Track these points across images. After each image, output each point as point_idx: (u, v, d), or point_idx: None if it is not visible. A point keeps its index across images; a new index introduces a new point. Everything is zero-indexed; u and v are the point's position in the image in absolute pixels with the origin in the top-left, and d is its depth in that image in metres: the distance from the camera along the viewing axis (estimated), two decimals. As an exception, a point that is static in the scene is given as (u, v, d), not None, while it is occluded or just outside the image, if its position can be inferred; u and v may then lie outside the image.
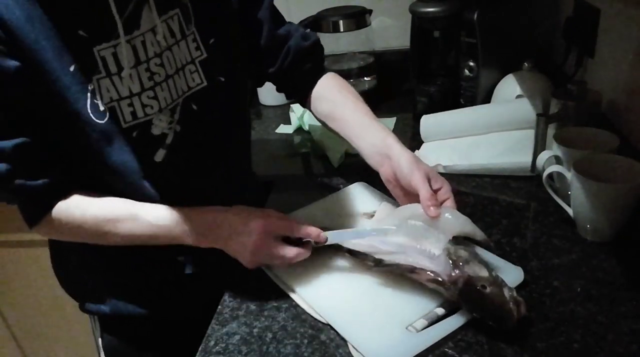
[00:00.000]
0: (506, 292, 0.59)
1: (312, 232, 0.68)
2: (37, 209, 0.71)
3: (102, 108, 0.66)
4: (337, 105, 0.83)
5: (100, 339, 0.89)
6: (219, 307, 0.71)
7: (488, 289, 0.59)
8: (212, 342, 0.65)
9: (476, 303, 0.60)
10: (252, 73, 0.87)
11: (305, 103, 0.89)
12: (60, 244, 0.78)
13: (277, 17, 0.86)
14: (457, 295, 0.61)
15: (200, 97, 0.75)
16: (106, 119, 0.67)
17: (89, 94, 0.65)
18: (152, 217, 0.70)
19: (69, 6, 0.63)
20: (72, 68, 0.64)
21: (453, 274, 0.62)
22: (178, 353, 0.90)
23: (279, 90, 0.92)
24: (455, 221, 0.68)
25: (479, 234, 0.68)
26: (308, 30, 0.90)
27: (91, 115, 0.66)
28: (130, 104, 0.68)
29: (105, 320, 0.88)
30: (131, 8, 0.67)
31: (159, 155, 0.72)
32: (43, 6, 0.61)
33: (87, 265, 0.83)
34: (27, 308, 1.58)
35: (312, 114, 0.89)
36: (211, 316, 0.85)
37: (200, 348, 0.65)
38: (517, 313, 0.58)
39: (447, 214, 0.68)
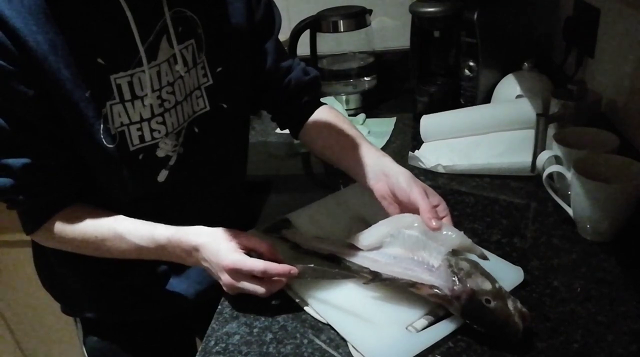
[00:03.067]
0: (510, 305, 0.58)
1: (282, 272, 0.65)
2: (34, 220, 0.72)
3: (112, 132, 0.68)
4: (330, 134, 0.85)
5: (83, 341, 0.90)
6: (219, 307, 0.71)
7: (492, 304, 0.58)
8: (212, 342, 0.65)
9: (480, 318, 0.59)
10: (250, 101, 0.88)
11: (298, 135, 0.91)
12: (42, 247, 0.78)
13: (280, 50, 0.88)
14: (460, 311, 0.60)
15: (202, 121, 0.77)
16: (116, 143, 0.69)
17: (102, 119, 0.67)
18: (137, 238, 0.71)
19: (91, 35, 0.65)
20: (87, 94, 0.65)
21: (455, 287, 0.60)
22: (162, 353, 0.90)
23: (273, 119, 0.94)
24: (454, 236, 0.66)
25: (475, 249, 0.67)
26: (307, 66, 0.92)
27: (103, 140, 0.68)
28: (140, 129, 0.70)
29: (87, 322, 0.89)
30: (151, 39, 0.69)
31: (162, 176, 0.74)
32: (66, 34, 0.63)
33: (67, 270, 0.83)
34: (27, 308, 1.58)
35: (306, 145, 0.91)
36: (195, 315, 0.85)
37: (200, 348, 0.65)
38: (522, 326, 0.57)
39: (445, 229, 0.67)
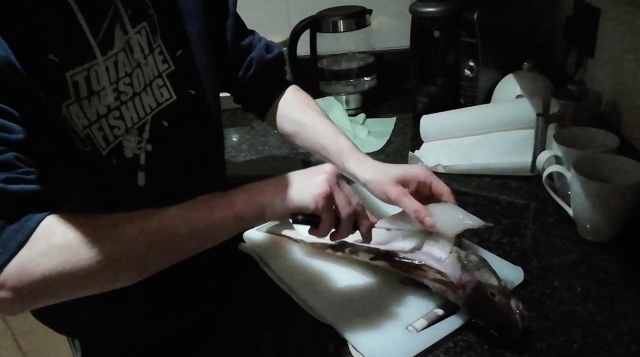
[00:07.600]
0: (513, 304, 0.58)
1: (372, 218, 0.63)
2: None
3: (82, 136, 0.61)
4: (300, 125, 0.83)
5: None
6: (219, 309, 0.71)
7: (497, 298, 0.59)
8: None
9: (483, 310, 0.59)
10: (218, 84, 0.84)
11: (265, 117, 0.88)
12: None
13: (240, 27, 0.84)
14: (464, 300, 0.60)
15: (170, 113, 0.71)
16: (88, 148, 0.62)
17: (67, 123, 0.60)
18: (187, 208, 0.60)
19: (39, 30, 0.57)
20: (42, 94, 0.57)
21: (462, 276, 0.61)
22: None
23: (236, 101, 0.90)
24: (452, 219, 0.66)
25: (475, 222, 0.67)
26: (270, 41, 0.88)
27: (78, 143, 0.61)
28: (100, 128, 0.63)
29: (87, 346, 0.85)
30: (105, 28, 0.63)
31: (141, 179, 0.69)
32: (11, 32, 0.55)
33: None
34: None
35: (277, 129, 0.88)
36: (193, 335, 0.79)
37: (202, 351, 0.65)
38: (521, 325, 0.57)
39: (442, 219, 0.67)
